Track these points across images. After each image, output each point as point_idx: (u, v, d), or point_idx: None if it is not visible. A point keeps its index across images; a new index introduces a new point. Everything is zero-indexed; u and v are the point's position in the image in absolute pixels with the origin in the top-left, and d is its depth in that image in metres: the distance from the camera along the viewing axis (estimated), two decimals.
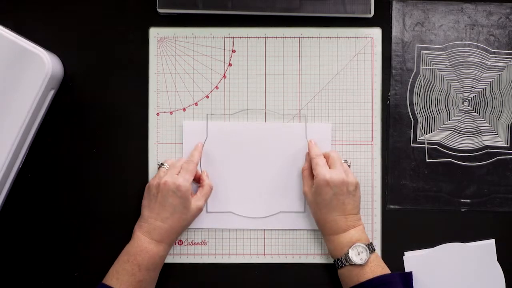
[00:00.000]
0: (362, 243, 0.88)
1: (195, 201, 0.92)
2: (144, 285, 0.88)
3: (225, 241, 0.97)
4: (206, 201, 0.95)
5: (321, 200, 0.90)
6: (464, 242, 0.96)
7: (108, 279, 0.87)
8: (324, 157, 0.93)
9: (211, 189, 0.95)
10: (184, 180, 0.90)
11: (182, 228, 0.92)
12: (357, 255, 0.87)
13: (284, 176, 0.96)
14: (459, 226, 0.97)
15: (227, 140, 0.96)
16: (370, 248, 0.88)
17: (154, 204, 0.90)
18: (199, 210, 0.93)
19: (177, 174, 0.91)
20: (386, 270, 0.89)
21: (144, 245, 0.88)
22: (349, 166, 0.94)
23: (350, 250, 0.88)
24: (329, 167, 0.92)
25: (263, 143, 0.96)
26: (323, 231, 0.93)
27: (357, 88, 0.97)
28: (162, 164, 0.94)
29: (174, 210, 0.90)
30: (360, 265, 0.87)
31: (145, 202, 0.92)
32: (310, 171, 0.94)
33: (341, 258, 0.89)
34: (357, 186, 0.91)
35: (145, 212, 0.91)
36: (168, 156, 0.96)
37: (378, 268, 0.88)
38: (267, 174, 0.96)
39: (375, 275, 0.87)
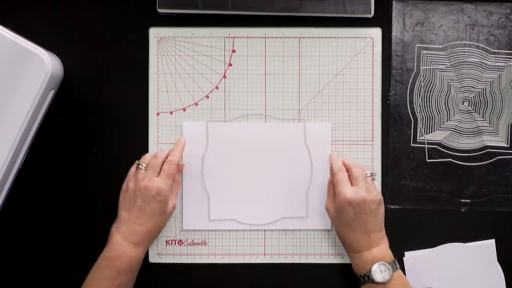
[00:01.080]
0: (385, 261, 0.88)
1: (171, 201, 0.92)
2: None
3: (225, 241, 0.97)
4: (176, 196, 0.95)
5: (343, 219, 0.90)
6: (464, 242, 0.96)
7: (87, 286, 0.87)
8: (347, 170, 0.92)
9: (178, 183, 0.95)
10: (165, 184, 0.90)
11: (160, 229, 0.93)
12: (379, 273, 0.87)
13: (285, 179, 0.96)
14: (459, 226, 0.97)
15: (227, 143, 0.96)
16: (394, 266, 0.88)
17: (132, 208, 0.90)
18: (174, 208, 0.94)
19: (157, 176, 0.91)
20: None
21: (123, 249, 0.88)
22: (373, 179, 0.92)
23: (372, 268, 0.87)
24: (351, 183, 0.91)
25: (263, 145, 0.96)
26: (346, 248, 0.92)
27: (357, 88, 0.97)
28: (139, 164, 0.92)
29: (153, 215, 0.90)
30: (383, 283, 0.87)
31: (123, 204, 0.91)
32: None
33: (364, 275, 0.88)
34: (380, 203, 0.90)
35: (123, 214, 0.90)
36: None
37: (401, 286, 0.87)
38: (268, 178, 0.96)
39: None
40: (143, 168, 0.92)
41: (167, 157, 0.93)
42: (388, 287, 0.87)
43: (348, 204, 0.88)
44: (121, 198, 0.92)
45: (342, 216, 0.90)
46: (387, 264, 0.87)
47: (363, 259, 0.89)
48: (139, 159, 0.95)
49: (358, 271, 0.90)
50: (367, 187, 0.90)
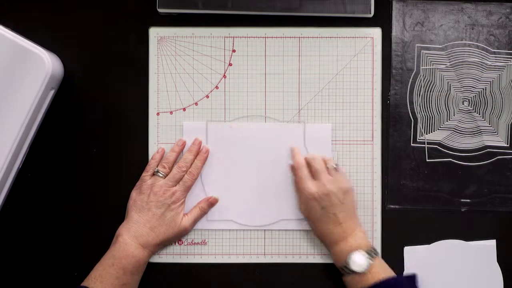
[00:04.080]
0: (361, 249, 0.87)
1: (184, 221, 0.93)
2: None
3: (225, 241, 0.97)
4: (194, 224, 0.95)
5: (312, 214, 0.90)
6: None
7: (91, 282, 0.87)
8: (308, 165, 0.92)
9: (204, 213, 0.95)
10: (181, 195, 0.92)
11: (166, 241, 0.92)
12: (356, 262, 0.86)
13: (283, 180, 0.96)
14: (459, 226, 0.97)
15: (227, 142, 0.96)
16: (372, 254, 0.87)
17: (145, 212, 0.91)
18: (185, 231, 0.93)
19: (175, 186, 0.92)
20: (391, 274, 0.87)
21: (130, 250, 0.88)
22: (336, 170, 0.91)
23: (348, 259, 0.87)
24: (314, 178, 0.91)
25: (263, 146, 0.96)
26: (323, 243, 0.92)
27: (357, 88, 0.97)
28: (157, 171, 0.93)
29: (164, 222, 0.91)
30: (362, 272, 0.86)
31: (134, 207, 0.92)
32: None
33: (343, 267, 0.88)
34: (346, 192, 0.90)
35: (134, 215, 0.91)
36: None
37: (381, 273, 0.86)
38: (267, 179, 0.96)
39: (378, 281, 0.85)
40: (162, 175, 0.92)
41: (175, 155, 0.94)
42: (367, 276, 0.86)
43: (312, 199, 0.89)
44: (132, 200, 0.92)
45: (311, 212, 0.90)
46: (364, 253, 0.87)
47: (340, 249, 0.89)
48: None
49: (337, 263, 0.90)
50: (329, 179, 0.90)
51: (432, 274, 0.96)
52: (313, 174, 0.91)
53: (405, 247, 0.96)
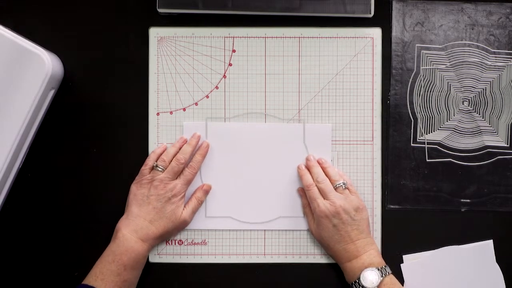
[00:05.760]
0: (374, 267, 0.88)
1: (184, 214, 0.93)
2: (128, 285, 0.88)
3: (225, 241, 0.97)
4: (193, 215, 0.95)
5: (324, 233, 0.91)
6: (464, 242, 0.96)
7: (92, 280, 0.86)
8: (316, 183, 0.92)
9: (200, 203, 0.95)
10: (181, 189, 0.92)
11: (166, 234, 0.92)
12: (367, 279, 0.87)
13: (282, 179, 0.96)
14: (459, 226, 0.97)
15: (227, 141, 0.96)
16: (383, 271, 0.88)
17: (145, 205, 0.91)
18: (185, 223, 0.94)
19: (175, 179, 0.92)
20: None
21: (130, 244, 0.88)
22: (344, 188, 0.92)
23: (361, 275, 0.88)
24: (323, 197, 0.91)
25: (263, 145, 0.96)
26: (337, 260, 0.93)
27: (357, 88, 0.97)
28: (156, 165, 0.93)
29: (164, 215, 0.91)
30: None
31: (134, 201, 0.91)
32: (310, 207, 0.94)
33: (354, 282, 0.89)
34: (358, 209, 0.90)
35: (134, 210, 0.91)
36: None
37: None
38: (266, 177, 0.96)
39: None
40: (160, 170, 0.92)
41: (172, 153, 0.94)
42: None
43: (324, 217, 0.90)
44: (132, 194, 0.92)
45: (323, 231, 0.91)
46: (376, 270, 0.88)
47: (353, 267, 0.89)
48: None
49: (349, 279, 0.91)
50: (339, 196, 0.90)
51: (433, 281, 0.95)
52: (322, 194, 0.91)
53: (404, 256, 0.96)
